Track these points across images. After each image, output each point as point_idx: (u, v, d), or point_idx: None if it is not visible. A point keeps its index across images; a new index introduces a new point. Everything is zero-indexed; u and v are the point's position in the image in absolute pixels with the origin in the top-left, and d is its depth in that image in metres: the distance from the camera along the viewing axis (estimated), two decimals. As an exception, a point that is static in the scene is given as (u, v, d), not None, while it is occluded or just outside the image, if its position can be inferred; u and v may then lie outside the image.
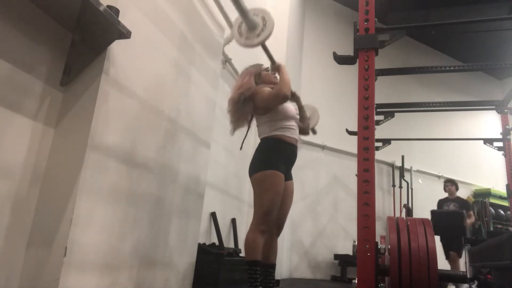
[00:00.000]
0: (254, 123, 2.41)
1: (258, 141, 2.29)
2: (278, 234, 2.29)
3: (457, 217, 4.52)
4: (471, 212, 5.08)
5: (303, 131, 2.53)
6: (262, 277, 2.16)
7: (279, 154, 2.16)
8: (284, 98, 2.17)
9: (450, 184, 5.15)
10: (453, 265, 4.51)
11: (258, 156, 2.19)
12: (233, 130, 2.34)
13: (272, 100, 2.19)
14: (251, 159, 2.21)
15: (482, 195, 7.39)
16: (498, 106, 3.97)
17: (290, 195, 2.29)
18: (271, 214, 2.09)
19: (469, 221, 4.95)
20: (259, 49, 2.40)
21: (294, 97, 2.62)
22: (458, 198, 5.13)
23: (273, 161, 2.12)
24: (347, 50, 2.26)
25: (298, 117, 2.35)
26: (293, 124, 2.26)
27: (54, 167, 1.57)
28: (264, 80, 2.34)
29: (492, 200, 7.23)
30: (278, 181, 2.09)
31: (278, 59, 2.53)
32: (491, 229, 6.90)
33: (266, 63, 2.46)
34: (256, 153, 2.21)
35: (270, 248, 2.24)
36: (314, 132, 3.38)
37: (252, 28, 2.21)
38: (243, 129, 2.40)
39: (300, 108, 2.58)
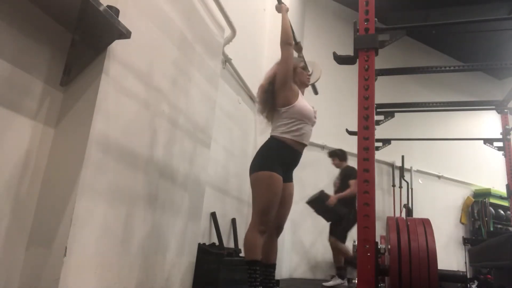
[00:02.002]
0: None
1: (259, 140, 2.29)
2: (277, 235, 2.29)
3: (317, 200, 4.18)
4: (352, 181, 4.21)
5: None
6: (262, 277, 2.16)
7: (279, 156, 2.14)
8: (288, 46, 2.21)
9: (332, 159, 4.68)
10: (333, 252, 4.21)
11: (259, 155, 2.18)
12: (267, 120, 2.33)
13: (282, 58, 2.21)
14: (254, 156, 2.21)
15: (482, 195, 7.39)
16: (498, 106, 3.97)
17: (289, 197, 2.27)
18: (268, 214, 2.08)
19: (335, 196, 4.27)
20: (259, 51, 2.40)
21: (297, 47, 2.73)
22: (344, 168, 4.54)
23: (271, 163, 2.11)
24: (347, 50, 2.26)
25: (315, 120, 2.32)
26: (306, 128, 2.22)
27: (54, 167, 1.57)
28: (297, 77, 2.34)
29: (492, 200, 7.23)
30: (274, 183, 2.08)
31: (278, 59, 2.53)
32: (491, 229, 6.90)
33: (265, 63, 2.46)
34: (259, 150, 2.21)
35: (270, 248, 2.24)
36: (315, 90, 3.38)
37: None
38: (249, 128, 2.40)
39: (299, 57, 2.69)
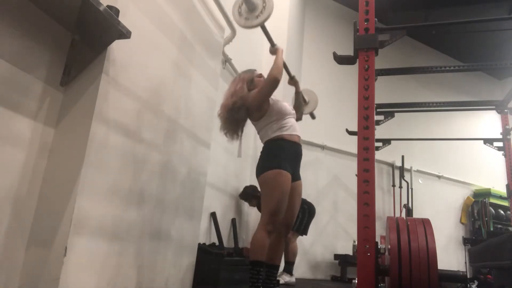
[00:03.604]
0: (253, 129, 2.41)
1: (258, 143, 2.30)
2: (286, 234, 2.29)
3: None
4: None
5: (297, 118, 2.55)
6: (264, 278, 2.16)
7: (283, 153, 2.15)
8: (275, 81, 2.18)
9: (249, 201, 4.31)
10: (289, 244, 4.14)
11: (263, 157, 2.20)
12: (228, 137, 2.34)
13: (265, 89, 2.20)
14: (257, 161, 2.21)
15: (482, 195, 7.39)
16: (498, 106, 3.97)
17: (298, 196, 2.27)
18: (278, 214, 2.08)
19: None
20: (259, 51, 2.40)
21: (293, 81, 2.73)
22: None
23: (278, 160, 2.12)
24: (347, 50, 2.26)
25: (293, 112, 2.35)
26: (290, 121, 2.26)
27: (54, 167, 1.57)
28: (257, 86, 2.34)
29: (492, 200, 7.23)
30: (284, 180, 2.08)
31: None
32: (491, 229, 6.90)
33: (265, 63, 2.46)
34: (261, 155, 2.22)
35: (276, 249, 2.24)
36: (313, 117, 3.40)
37: (252, 9, 2.21)
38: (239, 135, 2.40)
39: (297, 93, 2.69)
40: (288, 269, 4.13)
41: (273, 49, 2.39)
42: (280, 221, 2.13)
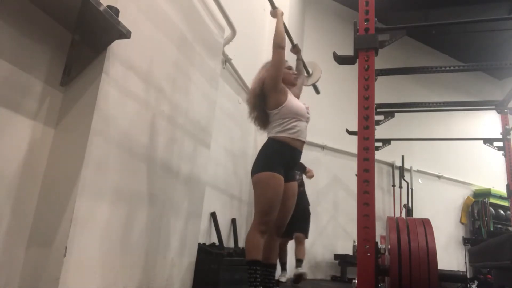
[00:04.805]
0: (254, 128, 2.43)
1: (259, 143, 2.30)
2: (279, 235, 2.29)
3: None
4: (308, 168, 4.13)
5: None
6: (262, 277, 2.16)
7: (279, 157, 2.16)
8: (280, 48, 2.24)
9: None
10: (298, 247, 4.14)
11: (259, 158, 2.20)
12: (257, 125, 2.38)
13: (273, 59, 2.24)
14: (254, 159, 2.22)
15: (482, 195, 7.39)
16: (498, 106, 3.97)
17: (291, 196, 2.27)
18: (270, 214, 2.09)
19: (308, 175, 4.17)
20: (259, 51, 2.40)
21: (295, 49, 2.88)
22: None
23: (272, 163, 2.12)
24: (347, 50, 2.26)
25: (308, 115, 2.35)
26: (300, 125, 2.24)
27: (54, 167, 1.57)
28: (284, 79, 2.34)
29: (492, 200, 7.23)
30: (276, 183, 2.09)
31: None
32: (491, 229, 6.90)
33: (268, 58, 2.45)
34: (260, 152, 2.23)
35: (271, 248, 2.24)
36: (317, 90, 3.42)
37: None
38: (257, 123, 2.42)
39: (298, 59, 2.84)
40: (299, 266, 4.13)
41: (273, 12, 2.49)
42: (272, 221, 2.13)
